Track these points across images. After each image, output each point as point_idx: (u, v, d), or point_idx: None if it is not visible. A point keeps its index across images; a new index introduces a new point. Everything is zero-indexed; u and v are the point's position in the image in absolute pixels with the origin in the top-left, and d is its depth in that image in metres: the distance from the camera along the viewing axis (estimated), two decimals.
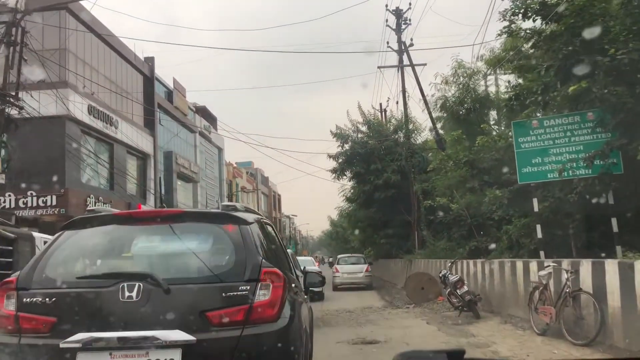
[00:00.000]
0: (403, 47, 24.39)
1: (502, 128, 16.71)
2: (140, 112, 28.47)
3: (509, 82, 15.80)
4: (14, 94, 14.50)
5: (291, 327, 3.47)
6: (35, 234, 7.51)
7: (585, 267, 7.43)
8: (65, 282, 3.45)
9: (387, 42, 25.02)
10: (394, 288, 22.73)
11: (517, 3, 10.53)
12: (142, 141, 27.70)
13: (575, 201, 10.87)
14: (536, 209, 11.00)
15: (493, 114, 19.47)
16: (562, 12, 9.51)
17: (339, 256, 29.31)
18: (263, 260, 3.51)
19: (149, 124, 28.99)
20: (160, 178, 29.99)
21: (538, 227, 10.94)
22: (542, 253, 10.78)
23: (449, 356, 1.42)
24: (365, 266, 24.42)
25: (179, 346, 3.16)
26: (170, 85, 33.64)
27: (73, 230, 3.82)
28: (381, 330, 10.19)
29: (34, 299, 3.33)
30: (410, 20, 24.74)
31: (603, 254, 9.17)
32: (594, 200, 10.19)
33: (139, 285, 3.27)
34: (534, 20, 10.55)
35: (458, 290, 11.28)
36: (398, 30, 24.44)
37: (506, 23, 10.71)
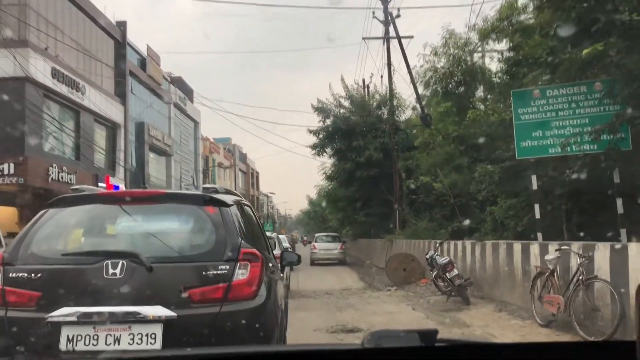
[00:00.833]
0: (390, 18, 23.30)
1: (495, 103, 15.68)
2: (111, 79, 26.81)
3: (501, 54, 14.86)
4: None
5: (267, 304, 3.62)
6: None
7: (602, 251, 6.47)
8: (50, 258, 3.60)
9: (373, 12, 23.72)
10: (373, 268, 21.97)
11: None
12: (112, 110, 26.08)
13: (571, 180, 10.05)
14: (535, 186, 10.09)
15: (482, 90, 18.47)
16: None
17: (316, 235, 32.21)
18: (242, 241, 3.64)
19: (120, 92, 27.35)
20: (131, 150, 28.54)
21: (536, 206, 10.04)
22: (539, 235, 9.87)
23: (420, 336, 1.39)
24: (339, 244, 27.64)
25: (161, 321, 3.30)
26: (144, 52, 31.92)
27: (57, 208, 3.87)
28: (363, 316, 9.23)
29: (20, 274, 3.44)
30: None
31: (609, 234, 8.32)
32: (594, 179, 9.35)
33: (123, 263, 3.38)
34: None
35: (447, 274, 10.33)
36: (384, 0, 23.26)
37: None
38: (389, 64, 24.12)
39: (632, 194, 8.93)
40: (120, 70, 27.05)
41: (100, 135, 25.61)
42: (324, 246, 27.38)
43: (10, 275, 3.43)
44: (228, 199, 3.97)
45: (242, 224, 3.91)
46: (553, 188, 10.56)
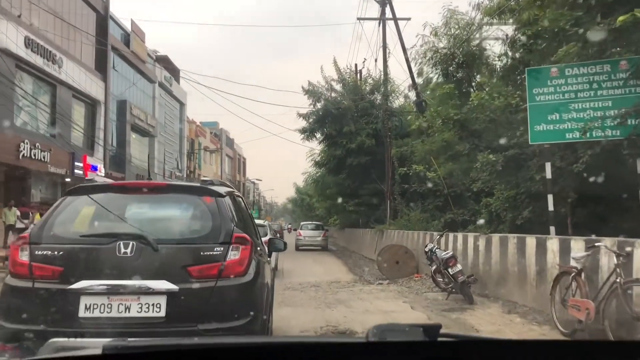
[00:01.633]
0: None
1: (501, 87, 14.63)
2: (91, 53, 25.39)
3: (506, 35, 13.82)
4: None
5: (256, 281, 4.16)
6: None
7: None
8: (70, 239, 4.11)
9: None
10: (362, 259, 21.03)
11: None
12: (92, 86, 24.69)
13: (579, 171, 9.12)
14: (549, 175, 9.12)
15: (484, 73, 17.43)
16: None
17: (301, 223, 34.13)
18: (234, 227, 4.17)
19: (101, 68, 25.89)
20: (111, 129, 27.20)
21: (550, 197, 9.07)
22: (552, 229, 8.92)
23: (425, 331, 1.39)
24: (322, 232, 29.89)
25: (165, 293, 3.82)
26: (128, 27, 30.46)
27: (75, 196, 4.39)
28: (356, 315, 8.23)
29: (44, 252, 3.95)
30: None
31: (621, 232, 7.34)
32: (607, 170, 8.43)
33: (133, 244, 3.90)
34: None
35: (450, 269, 9.34)
36: None
37: None
38: (384, 46, 23.05)
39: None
40: (102, 44, 25.62)
41: (78, 112, 24.26)
42: (309, 233, 29.67)
43: (36, 252, 3.94)
44: (222, 190, 4.47)
45: (234, 213, 4.39)
46: (559, 179, 9.67)
